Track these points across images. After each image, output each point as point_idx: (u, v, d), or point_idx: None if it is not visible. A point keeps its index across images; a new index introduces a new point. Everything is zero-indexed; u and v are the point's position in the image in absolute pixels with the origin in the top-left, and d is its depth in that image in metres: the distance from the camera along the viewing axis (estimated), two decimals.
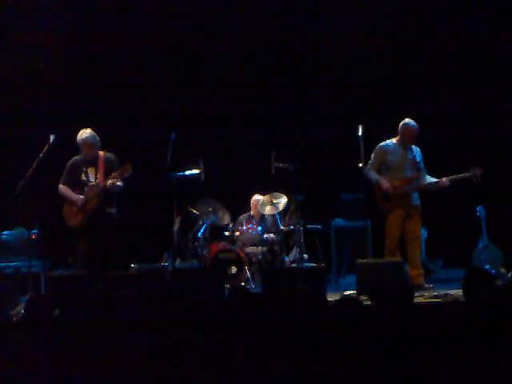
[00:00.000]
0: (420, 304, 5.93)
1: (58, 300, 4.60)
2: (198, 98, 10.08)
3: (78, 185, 7.44)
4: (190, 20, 10.05)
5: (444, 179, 7.59)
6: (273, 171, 8.40)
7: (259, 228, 9.02)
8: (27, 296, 6.58)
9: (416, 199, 7.64)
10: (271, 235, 9.00)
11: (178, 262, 8.71)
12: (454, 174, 7.60)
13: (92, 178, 7.44)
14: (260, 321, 3.91)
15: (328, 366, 3.40)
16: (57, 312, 4.39)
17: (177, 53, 10.07)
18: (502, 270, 8.86)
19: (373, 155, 7.62)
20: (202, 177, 8.39)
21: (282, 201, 8.92)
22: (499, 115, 9.35)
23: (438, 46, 9.70)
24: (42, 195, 8.10)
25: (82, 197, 7.36)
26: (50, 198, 7.85)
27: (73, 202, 7.38)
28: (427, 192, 7.77)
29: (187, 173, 8.37)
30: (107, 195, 7.34)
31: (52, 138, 7.47)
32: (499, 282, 6.25)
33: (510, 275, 8.67)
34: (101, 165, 7.43)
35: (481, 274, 4.82)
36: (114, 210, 7.42)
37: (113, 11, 9.92)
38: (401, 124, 7.66)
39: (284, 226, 8.94)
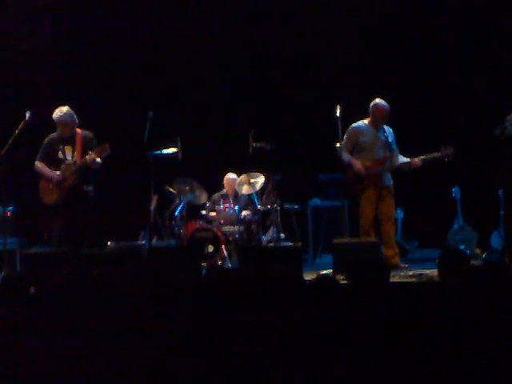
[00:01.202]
0: (395, 283, 5.97)
1: (33, 277, 4.59)
2: (176, 77, 10.03)
3: (54, 162, 7.39)
4: (167, 1, 10.02)
5: (416, 159, 7.61)
6: (250, 150, 8.39)
7: (236, 207, 9.03)
8: (2, 273, 6.55)
9: (388, 179, 7.68)
10: (248, 214, 9.01)
11: (154, 240, 8.71)
12: (426, 154, 7.63)
13: (69, 156, 7.39)
14: (236, 300, 3.92)
15: (304, 344, 3.41)
16: (32, 289, 4.37)
17: (154, 32, 10.01)
18: (477, 251, 8.96)
19: (345, 136, 7.63)
20: (180, 155, 8.35)
21: (260, 180, 8.91)
22: (473, 95, 9.41)
23: (412, 27, 9.73)
24: (18, 172, 8.05)
25: (58, 173, 7.32)
26: (26, 175, 7.80)
27: (49, 179, 7.34)
28: (400, 172, 7.80)
29: (164, 151, 8.33)
30: (84, 173, 7.30)
31: (28, 114, 7.39)
32: (474, 263, 6.30)
33: (484, 255, 8.77)
34: (78, 143, 7.38)
35: (456, 254, 4.87)
36: (90, 188, 7.39)
37: None
38: (371, 104, 7.67)
39: (261, 205, 8.95)
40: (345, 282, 4.33)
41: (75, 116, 7.43)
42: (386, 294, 3.82)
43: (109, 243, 8.46)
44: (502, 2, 9.46)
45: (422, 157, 7.60)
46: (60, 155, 7.39)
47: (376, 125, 7.68)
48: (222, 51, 10.13)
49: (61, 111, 7.37)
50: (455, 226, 9.27)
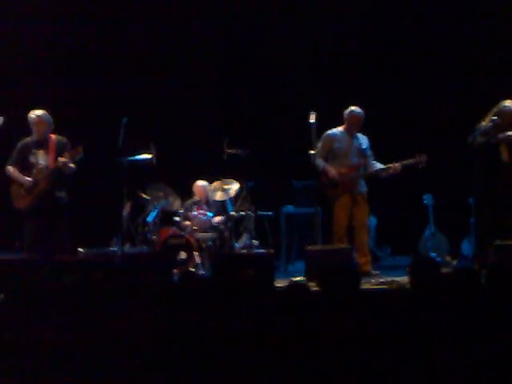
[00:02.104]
0: (366, 290, 6.01)
1: (3, 284, 4.55)
2: (151, 82, 10.01)
3: (26, 167, 7.34)
4: (140, 3, 10.00)
5: (396, 164, 7.66)
6: (225, 157, 8.39)
7: (209, 213, 9.02)
8: None
9: (362, 186, 7.73)
10: (221, 219, 9.00)
11: (127, 246, 8.66)
12: (400, 161, 7.68)
13: (42, 161, 7.34)
14: (208, 306, 3.92)
15: (275, 351, 3.42)
16: (2, 296, 4.33)
17: (128, 37, 9.98)
18: (448, 258, 9.03)
19: (320, 143, 7.67)
20: (154, 162, 8.33)
21: (233, 187, 8.91)
22: (446, 104, 9.50)
23: (386, 34, 9.80)
24: None
25: (29, 179, 7.27)
26: None
27: (21, 184, 7.29)
28: (377, 178, 7.85)
29: (139, 157, 8.31)
30: (57, 178, 7.26)
31: (1, 120, 7.34)
32: (445, 270, 6.35)
33: (455, 263, 8.84)
34: (51, 147, 7.34)
35: (426, 261, 4.91)
36: (63, 194, 7.35)
37: None
38: (346, 111, 7.73)
39: (234, 211, 8.94)
40: (316, 288, 4.34)
41: (51, 120, 7.40)
42: (357, 301, 3.84)
43: (81, 250, 8.41)
44: (471, 14, 9.56)
45: (401, 162, 7.65)
46: (32, 159, 7.34)
47: (351, 132, 7.73)
48: (196, 57, 10.12)
49: (37, 112, 7.34)
50: (427, 233, 9.33)
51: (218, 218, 9.04)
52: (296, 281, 6.70)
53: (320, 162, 7.60)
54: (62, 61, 9.88)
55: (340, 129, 7.77)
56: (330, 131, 7.77)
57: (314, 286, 5.59)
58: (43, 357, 3.54)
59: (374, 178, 7.88)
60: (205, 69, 10.13)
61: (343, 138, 7.72)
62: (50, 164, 7.28)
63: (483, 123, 7.17)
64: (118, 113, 8.21)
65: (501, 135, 7.07)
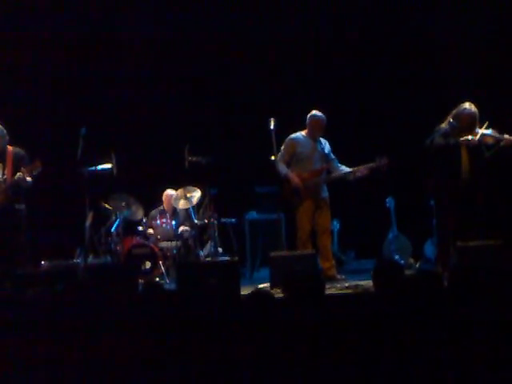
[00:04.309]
0: (331, 295, 6.02)
1: None
2: (109, 91, 9.95)
3: None
4: (102, 12, 9.94)
5: (361, 168, 7.70)
6: (186, 165, 8.37)
7: (173, 222, 8.99)
8: None
9: (325, 191, 7.76)
10: (185, 229, 8.98)
11: (90, 258, 8.59)
12: (361, 165, 7.73)
13: None
14: (173, 316, 3.90)
15: (242, 359, 3.42)
16: None
17: (86, 45, 9.91)
18: (411, 260, 9.10)
19: (283, 147, 7.68)
20: (115, 171, 8.28)
21: (196, 195, 8.90)
22: (405, 107, 9.59)
23: (347, 37, 9.89)
24: None
25: None
26: None
27: None
28: (344, 181, 7.86)
29: (99, 167, 8.25)
30: (15, 191, 7.17)
31: None
32: (408, 272, 6.40)
33: (418, 265, 8.92)
34: (9, 160, 7.23)
35: (390, 264, 4.94)
36: (22, 207, 7.26)
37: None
38: (308, 116, 7.76)
39: (198, 219, 8.93)
40: (281, 295, 4.34)
41: (5, 132, 7.30)
42: (322, 306, 3.85)
43: (43, 262, 8.31)
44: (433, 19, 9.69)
45: (362, 166, 7.69)
46: None
47: (313, 136, 7.75)
48: (155, 64, 10.09)
49: None
50: (390, 236, 9.41)
51: (182, 227, 9.02)
52: (261, 288, 6.72)
53: (282, 169, 7.60)
54: (18, 71, 9.77)
55: (302, 133, 7.78)
56: (293, 135, 7.77)
57: (278, 293, 5.62)
58: (6, 369, 3.49)
59: (338, 182, 7.89)
60: (164, 76, 10.09)
61: (306, 143, 7.74)
62: (7, 177, 7.18)
63: (442, 125, 7.23)
64: (77, 123, 8.14)
65: (461, 139, 7.09)
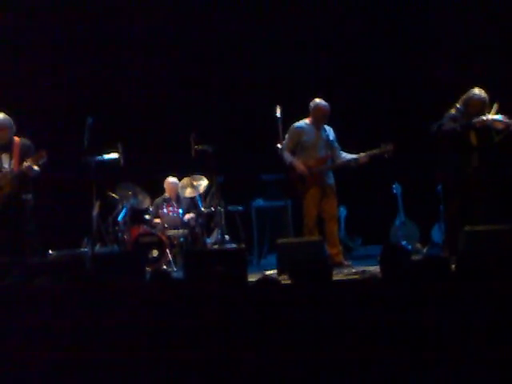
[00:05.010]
0: (338, 281, 6.02)
1: None
2: (115, 81, 9.95)
3: None
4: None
5: (362, 155, 7.69)
6: (192, 153, 8.37)
7: (180, 210, 9.00)
8: None
9: (330, 178, 7.74)
10: (192, 217, 8.99)
11: (98, 247, 8.61)
12: (366, 151, 7.71)
13: (6, 164, 7.26)
14: (181, 304, 3.91)
15: (249, 345, 3.42)
16: None
17: (92, 35, 9.90)
18: (418, 246, 9.10)
19: (287, 136, 7.65)
20: (121, 161, 8.29)
21: (203, 183, 8.91)
22: (412, 92, 9.55)
23: (351, 24, 9.85)
24: None
25: None
26: None
27: None
28: (348, 168, 7.85)
29: (106, 157, 8.25)
30: (22, 181, 7.19)
31: None
32: (416, 257, 6.39)
33: (425, 250, 8.91)
34: (15, 150, 7.25)
35: (397, 249, 4.93)
36: (29, 197, 7.27)
37: None
38: (312, 104, 7.73)
39: (205, 207, 8.94)
40: (288, 281, 4.34)
41: (12, 123, 7.31)
42: (329, 292, 3.85)
43: (50, 252, 8.35)
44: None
45: (368, 153, 7.67)
46: None
47: (317, 124, 7.73)
48: (161, 53, 10.08)
49: None
50: (397, 222, 9.40)
51: (188, 215, 9.03)
52: (268, 275, 6.72)
53: (288, 157, 7.59)
54: (26, 61, 9.77)
55: (306, 121, 7.76)
56: (297, 124, 7.75)
57: (285, 279, 5.62)
58: (13, 361, 3.51)
59: (342, 169, 7.89)
60: (170, 65, 10.08)
61: (310, 131, 7.72)
62: (14, 167, 7.20)
63: (451, 111, 7.20)
64: (83, 112, 8.14)
65: (475, 120, 7.06)
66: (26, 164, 7.06)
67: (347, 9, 9.86)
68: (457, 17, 9.39)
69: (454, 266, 4.20)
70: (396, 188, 9.36)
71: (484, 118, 7.04)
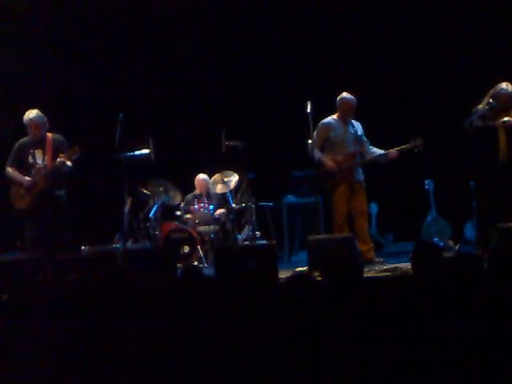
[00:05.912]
0: (370, 278, 5.99)
1: (6, 285, 4.54)
2: (147, 77, 10.00)
3: (24, 167, 7.34)
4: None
5: (392, 150, 7.65)
6: (223, 149, 8.38)
7: (211, 206, 9.02)
8: None
9: (360, 174, 7.71)
10: (222, 212, 9.00)
11: (129, 243, 8.66)
12: (396, 146, 7.66)
13: (39, 160, 7.34)
14: (212, 301, 3.91)
15: (280, 343, 3.42)
16: (5, 297, 4.33)
17: (124, 32, 9.96)
18: (450, 243, 9.02)
19: (315, 133, 7.62)
20: (152, 157, 8.32)
21: (233, 179, 8.93)
22: (443, 87, 9.47)
23: (379, 23, 9.78)
24: None
25: (28, 178, 7.27)
26: None
27: (20, 184, 7.29)
28: (377, 164, 7.82)
29: (137, 153, 8.29)
30: (55, 177, 7.26)
31: None
32: (448, 254, 6.34)
33: (457, 247, 8.84)
34: (48, 146, 7.33)
35: (429, 246, 4.90)
36: (62, 193, 7.35)
37: None
38: (338, 99, 7.70)
39: (235, 204, 8.95)
40: (319, 278, 4.33)
41: (45, 119, 7.38)
42: (361, 290, 3.83)
43: (83, 247, 8.42)
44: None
45: (398, 148, 7.64)
46: (30, 159, 7.34)
47: (344, 119, 7.70)
48: (192, 50, 10.10)
49: (31, 113, 7.34)
50: (429, 219, 9.33)
51: (219, 211, 9.05)
52: (299, 271, 6.71)
53: (316, 153, 7.57)
54: (57, 58, 9.86)
55: (334, 117, 7.74)
56: (324, 120, 7.74)
57: (317, 276, 5.61)
58: (46, 356, 3.54)
59: (372, 165, 7.85)
60: (201, 61, 10.10)
61: (338, 126, 7.70)
62: (47, 163, 7.27)
63: (480, 106, 7.16)
64: (115, 109, 8.19)
65: (499, 122, 7.04)
66: (59, 160, 7.13)
67: (378, 3, 9.79)
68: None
69: (486, 263, 4.16)
70: (428, 184, 9.28)
71: (506, 119, 7.01)
